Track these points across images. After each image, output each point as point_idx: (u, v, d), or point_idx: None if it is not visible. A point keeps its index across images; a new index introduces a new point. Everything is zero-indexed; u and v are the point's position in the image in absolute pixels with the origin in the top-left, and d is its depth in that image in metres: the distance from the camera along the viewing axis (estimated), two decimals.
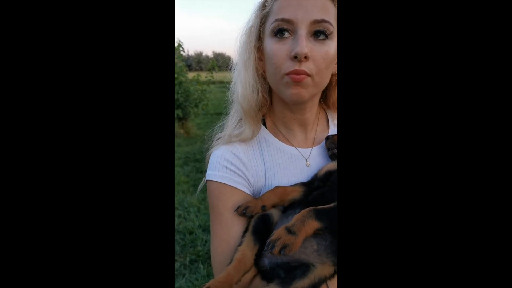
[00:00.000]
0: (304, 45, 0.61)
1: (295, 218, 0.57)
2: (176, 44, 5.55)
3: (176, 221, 2.74)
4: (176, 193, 3.30)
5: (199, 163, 4.24)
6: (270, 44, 0.66)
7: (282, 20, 0.63)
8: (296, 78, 0.63)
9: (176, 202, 3.09)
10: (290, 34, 0.64)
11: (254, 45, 0.71)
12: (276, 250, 0.53)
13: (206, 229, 2.56)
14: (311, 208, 0.59)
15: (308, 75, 0.63)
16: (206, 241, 2.40)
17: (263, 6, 0.70)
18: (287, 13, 0.63)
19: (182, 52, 5.64)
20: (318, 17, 0.62)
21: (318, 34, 0.63)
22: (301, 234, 0.55)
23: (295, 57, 0.62)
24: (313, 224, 0.57)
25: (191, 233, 2.55)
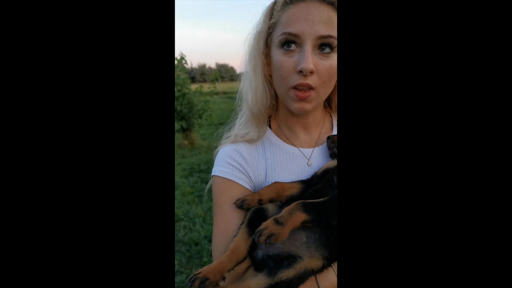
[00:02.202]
0: (310, 61, 0.64)
1: (284, 210, 0.60)
2: (179, 57, 5.63)
3: (182, 232, 2.73)
4: (181, 204, 3.29)
5: (204, 174, 4.24)
6: (277, 55, 0.68)
7: (290, 34, 0.65)
8: (301, 96, 0.67)
9: (181, 213, 3.09)
10: (297, 46, 0.66)
11: (262, 52, 0.73)
12: (262, 238, 0.55)
13: None
14: (300, 201, 0.61)
15: (313, 88, 0.67)
16: (212, 252, 2.38)
17: (270, 13, 0.71)
18: (294, 27, 0.65)
19: (185, 65, 5.70)
20: (324, 32, 0.64)
21: (324, 47, 0.66)
22: (288, 225, 0.57)
23: (301, 72, 0.65)
24: (301, 216, 0.59)
25: (196, 244, 2.53)
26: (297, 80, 0.66)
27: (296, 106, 0.69)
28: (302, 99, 0.67)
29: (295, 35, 0.65)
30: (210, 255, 2.36)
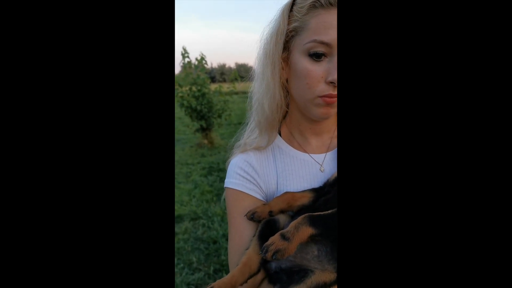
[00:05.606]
0: None
1: (290, 225, 0.59)
2: (199, 57, 5.72)
3: (200, 230, 2.77)
4: (200, 203, 3.34)
5: (223, 173, 4.28)
6: (303, 62, 0.65)
7: (321, 43, 0.62)
8: (330, 101, 0.65)
9: (200, 211, 3.13)
10: (326, 56, 0.63)
11: (281, 56, 0.69)
12: (268, 255, 0.55)
13: None
14: (307, 214, 0.60)
15: None
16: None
17: (289, 12, 0.67)
18: (327, 36, 0.61)
19: (205, 65, 5.79)
20: None
21: None
22: (294, 240, 0.56)
23: (331, 82, 0.63)
24: (307, 230, 0.58)
25: (215, 242, 2.56)
26: (326, 90, 0.64)
27: (321, 111, 0.67)
28: (330, 104, 0.66)
29: (327, 44, 0.61)
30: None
